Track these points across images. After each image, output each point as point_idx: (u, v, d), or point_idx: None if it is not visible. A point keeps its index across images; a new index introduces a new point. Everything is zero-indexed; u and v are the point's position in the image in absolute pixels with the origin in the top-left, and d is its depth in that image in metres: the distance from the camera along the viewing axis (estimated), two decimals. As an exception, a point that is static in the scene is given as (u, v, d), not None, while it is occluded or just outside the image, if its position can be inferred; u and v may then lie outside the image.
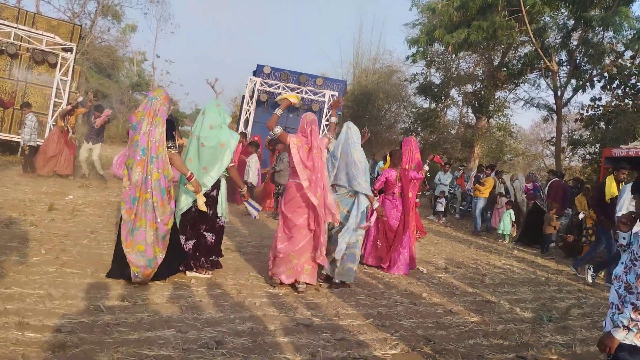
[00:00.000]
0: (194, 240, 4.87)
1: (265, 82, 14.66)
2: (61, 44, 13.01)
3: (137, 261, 4.29)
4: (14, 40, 12.27)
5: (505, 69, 20.29)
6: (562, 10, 17.12)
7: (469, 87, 23.35)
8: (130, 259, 4.27)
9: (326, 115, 14.56)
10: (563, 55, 18.64)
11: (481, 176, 12.80)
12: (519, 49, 20.33)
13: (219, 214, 4.95)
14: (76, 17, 27.76)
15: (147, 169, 4.32)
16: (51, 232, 5.75)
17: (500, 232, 11.48)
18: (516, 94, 21.77)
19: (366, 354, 3.57)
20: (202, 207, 4.64)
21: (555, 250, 10.69)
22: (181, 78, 65.11)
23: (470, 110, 23.89)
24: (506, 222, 11.32)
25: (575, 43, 17.95)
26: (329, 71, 32.47)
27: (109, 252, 5.27)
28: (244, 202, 5.27)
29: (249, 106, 14.78)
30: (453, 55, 21.31)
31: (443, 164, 14.44)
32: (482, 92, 21.19)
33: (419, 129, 26.26)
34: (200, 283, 4.69)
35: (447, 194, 14.52)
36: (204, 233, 4.91)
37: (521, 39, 18.55)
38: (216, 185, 4.88)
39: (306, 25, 78.99)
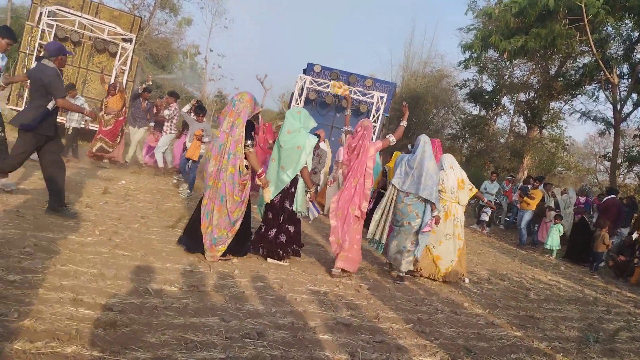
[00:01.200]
0: (275, 229, 5.44)
1: (315, 81, 14.74)
2: (122, 34, 13.49)
3: (205, 241, 4.95)
4: (78, 28, 12.81)
5: (562, 78, 19.65)
6: (627, 21, 16.41)
7: (522, 96, 22.75)
8: (203, 238, 4.94)
9: (374, 116, 14.50)
10: (625, 68, 17.89)
11: (528, 187, 12.44)
12: (578, 59, 19.64)
13: (295, 209, 5.50)
14: (136, 8, 28.74)
15: (222, 163, 4.91)
16: (105, 214, 5.98)
17: (547, 246, 11.13)
18: (572, 105, 21.04)
19: (405, 358, 3.54)
20: (267, 199, 5.27)
21: (604, 269, 10.28)
22: (232, 72, 66.32)
23: (521, 120, 23.28)
24: (554, 237, 10.97)
25: (638, 56, 17.19)
26: (379, 72, 32.36)
27: (157, 237, 5.45)
28: (309, 203, 5.60)
29: (298, 104, 14.88)
30: (507, 63, 20.79)
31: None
32: (536, 102, 20.60)
33: (467, 136, 25.79)
34: (243, 274, 4.78)
35: (493, 204, 14.20)
36: (287, 226, 5.48)
37: (581, 48, 17.92)
38: (294, 183, 5.44)
39: (358, 25, 78.81)
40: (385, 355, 3.52)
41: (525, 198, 11.97)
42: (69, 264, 3.99)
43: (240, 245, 5.22)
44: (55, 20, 12.56)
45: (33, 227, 4.77)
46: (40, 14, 12.47)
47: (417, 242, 5.76)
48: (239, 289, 4.31)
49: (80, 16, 12.98)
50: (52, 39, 12.35)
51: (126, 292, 3.68)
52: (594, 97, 19.77)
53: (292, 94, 15.62)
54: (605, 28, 16.50)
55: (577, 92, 19.83)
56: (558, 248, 11.04)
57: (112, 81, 12.99)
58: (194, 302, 3.78)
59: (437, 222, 5.93)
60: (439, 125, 28.33)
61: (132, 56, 13.69)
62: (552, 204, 12.44)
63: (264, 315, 3.82)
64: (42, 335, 2.75)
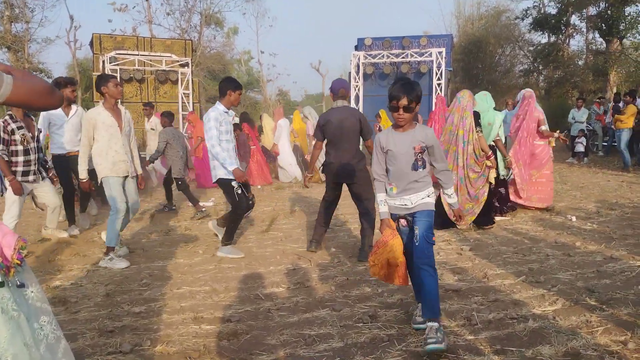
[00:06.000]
0: (496, 196, 6.46)
1: (368, 55, 14.54)
2: (178, 61, 14.09)
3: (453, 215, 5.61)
4: (138, 66, 13.55)
5: (633, -21, 17.85)
6: None
7: (592, 10, 20.95)
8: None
9: (436, 74, 14.04)
10: None
11: (620, 105, 11.50)
12: (648, -47, 17.74)
13: (500, 175, 6.45)
14: (185, 32, 29.76)
15: (457, 151, 5.89)
16: (203, 233, 6.31)
17: (656, 163, 10.25)
18: (651, 4, 19.06)
19: (524, 312, 3.44)
20: (492, 178, 6.04)
21: None
22: (287, 68, 66.92)
23: (597, 35, 21.46)
24: (662, 150, 10.07)
25: None
26: (432, 27, 31.24)
27: (255, 244, 5.68)
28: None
29: (357, 82, 14.77)
30: (568, -22, 19.25)
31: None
32: (609, 12, 18.90)
33: (540, 67, 24.29)
34: (343, 262, 4.86)
35: (585, 131, 13.30)
36: (500, 189, 6.55)
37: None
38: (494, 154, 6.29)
39: (399, -14, 76.20)
40: (503, 313, 3.44)
41: (617, 116, 11.09)
42: (183, 287, 4.27)
43: (485, 216, 6.02)
44: (117, 65, 13.36)
45: (144, 259, 5.15)
46: (103, 62, 13.33)
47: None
48: (343, 277, 4.39)
49: (137, 54, 13.73)
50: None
51: (239, 301, 3.88)
52: (675, -12, 17.80)
53: (350, 73, 15.51)
54: None
55: (654, -11, 17.94)
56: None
57: (179, 108, 13.63)
58: (303, 298, 3.90)
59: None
60: (507, 65, 26.91)
61: (191, 79, 14.25)
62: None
63: (372, 297, 3.87)
64: (175, 356, 2.98)
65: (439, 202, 5.66)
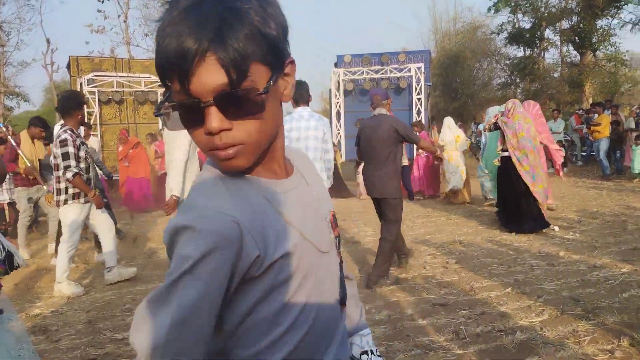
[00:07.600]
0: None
1: (348, 71, 14.66)
2: (157, 81, 14.00)
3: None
4: (117, 88, 13.45)
5: (602, -7, 18.40)
6: None
7: (565, 24, 21.48)
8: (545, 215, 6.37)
9: (416, 89, 14.20)
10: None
11: (592, 117, 11.78)
12: (615, -32, 18.31)
13: None
14: (164, 53, 29.78)
15: (534, 155, 6.30)
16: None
17: (635, 171, 10.44)
18: (620, 18, 19.64)
19: (511, 324, 3.43)
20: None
21: None
22: (268, 86, 67.03)
23: (571, 48, 21.98)
24: (639, 159, 10.28)
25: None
26: (409, 44, 31.73)
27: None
28: None
29: (338, 98, 14.86)
30: (539, -6, 19.74)
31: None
32: (581, 25, 19.40)
33: (517, 80, 24.73)
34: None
35: (563, 142, 13.54)
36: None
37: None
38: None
39: (377, 2, 77.45)
40: (490, 325, 3.42)
41: (593, 127, 11.36)
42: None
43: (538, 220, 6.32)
44: (95, 87, 13.25)
45: (127, 283, 5.03)
46: (81, 84, 13.20)
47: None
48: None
49: (116, 76, 13.63)
50: (96, 105, 13.06)
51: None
52: (643, 2, 18.37)
53: (330, 90, 15.61)
54: None
55: (622, 3, 18.49)
56: (646, 169, 10.34)
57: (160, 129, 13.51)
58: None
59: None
60: (485, 78, 27.35)
61: (171, 99, 14.18)
62: (632, 125, 11.71)
63: (359, 314, 3.82)
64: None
65: (531, 202, 6.25)
